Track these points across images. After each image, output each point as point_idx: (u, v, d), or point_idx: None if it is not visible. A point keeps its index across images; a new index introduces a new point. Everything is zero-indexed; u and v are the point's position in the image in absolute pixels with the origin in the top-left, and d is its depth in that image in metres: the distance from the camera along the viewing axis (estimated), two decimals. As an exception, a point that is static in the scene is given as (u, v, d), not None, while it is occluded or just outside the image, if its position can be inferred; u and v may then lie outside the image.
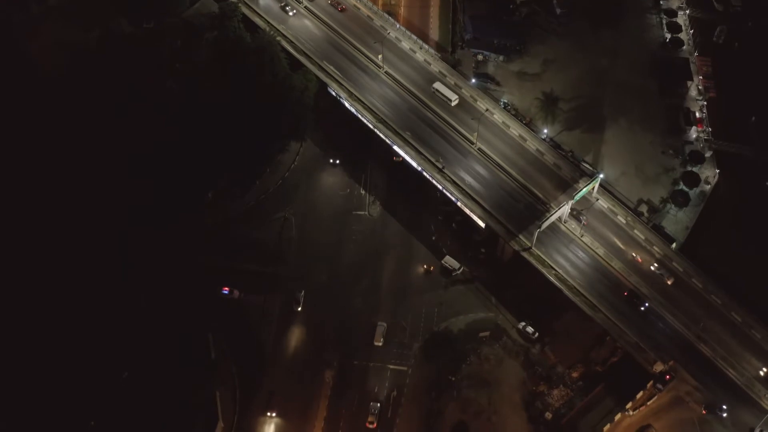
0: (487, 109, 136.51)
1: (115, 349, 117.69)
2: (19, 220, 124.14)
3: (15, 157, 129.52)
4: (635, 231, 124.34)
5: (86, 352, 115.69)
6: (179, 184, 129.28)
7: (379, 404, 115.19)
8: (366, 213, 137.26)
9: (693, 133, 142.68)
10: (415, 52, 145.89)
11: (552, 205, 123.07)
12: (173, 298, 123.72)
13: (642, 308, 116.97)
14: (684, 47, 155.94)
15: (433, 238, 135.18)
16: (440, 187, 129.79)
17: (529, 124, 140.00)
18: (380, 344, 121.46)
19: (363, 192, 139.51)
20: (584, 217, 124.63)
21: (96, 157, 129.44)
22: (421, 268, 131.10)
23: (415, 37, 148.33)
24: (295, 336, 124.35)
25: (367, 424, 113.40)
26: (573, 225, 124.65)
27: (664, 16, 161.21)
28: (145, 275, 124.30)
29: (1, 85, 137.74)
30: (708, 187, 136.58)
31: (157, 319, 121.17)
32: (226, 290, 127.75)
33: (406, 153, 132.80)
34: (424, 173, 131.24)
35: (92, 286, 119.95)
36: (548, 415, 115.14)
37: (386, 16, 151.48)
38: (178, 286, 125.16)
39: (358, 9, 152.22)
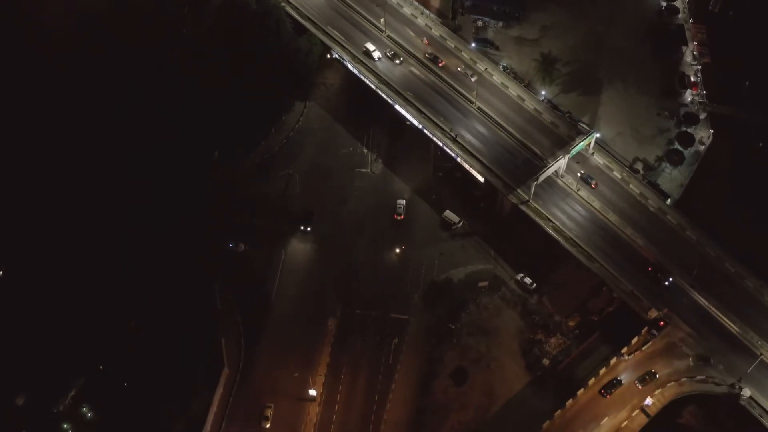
0: (486, 69, 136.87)
1: (122, 301, 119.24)
2: (20, 220, 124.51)
3: (16, 154, 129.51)
4: (630, 186, 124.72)
5: (93, 300, 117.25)
6: (185, 150, 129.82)
7: (404, 201, 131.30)
8: (368, 170, 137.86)
9: (688, 96, 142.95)
10: (416, 17, 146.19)
11: (549, 160, 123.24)
12: (181, 255, 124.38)
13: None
14: (680, 15, 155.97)
15: (434, 197, 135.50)
16: (441, 144, 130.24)
17: (528, 87, 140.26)
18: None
19: (365, 150, 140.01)
20: (593, 180, 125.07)
21: (96, 148, 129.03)
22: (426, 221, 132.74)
23: (416, 3, 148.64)
24: (299, 287, 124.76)
25: (395, 216, 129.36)
26: (570, 180, 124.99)
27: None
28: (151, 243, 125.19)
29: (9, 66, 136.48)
30: (702, 147, 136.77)
31: (164, 273, 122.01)
32: (231, 244, 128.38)
33: (408, 112, 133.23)
34: (425, 131, 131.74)
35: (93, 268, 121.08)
36: (545, 362, 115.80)
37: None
38: (184, 245, 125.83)
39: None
